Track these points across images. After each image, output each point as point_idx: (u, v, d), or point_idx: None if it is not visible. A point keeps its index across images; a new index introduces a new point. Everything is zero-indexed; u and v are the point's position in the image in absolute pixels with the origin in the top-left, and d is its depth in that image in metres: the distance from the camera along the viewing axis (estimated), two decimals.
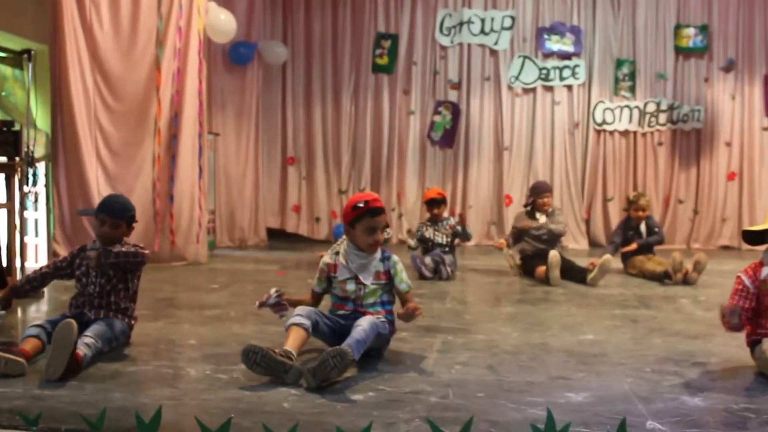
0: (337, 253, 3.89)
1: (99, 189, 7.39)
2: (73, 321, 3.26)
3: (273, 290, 3.81)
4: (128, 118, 7.65)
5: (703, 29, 10.79)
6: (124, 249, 3.84)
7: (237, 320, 4.77)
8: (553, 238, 7.21)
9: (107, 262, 3.77)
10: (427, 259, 6.97)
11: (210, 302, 5.48)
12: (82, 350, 3.39)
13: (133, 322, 4.00)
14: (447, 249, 7.23)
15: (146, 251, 3.98)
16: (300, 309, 3.64)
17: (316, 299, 3.97)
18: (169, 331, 4.35)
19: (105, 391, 3.09)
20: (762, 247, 3.59)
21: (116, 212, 3.96)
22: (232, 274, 7.22)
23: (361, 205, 3.75)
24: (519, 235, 7.28)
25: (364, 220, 3.74)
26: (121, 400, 2.98)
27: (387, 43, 10.93)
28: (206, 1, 8.26)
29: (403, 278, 3.86)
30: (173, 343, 4.05)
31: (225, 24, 8.73)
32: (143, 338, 4.09)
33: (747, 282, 3.48)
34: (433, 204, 7.32)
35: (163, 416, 2.61)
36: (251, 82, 10.24)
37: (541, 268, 6.74)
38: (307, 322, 3.54)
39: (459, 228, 7.24)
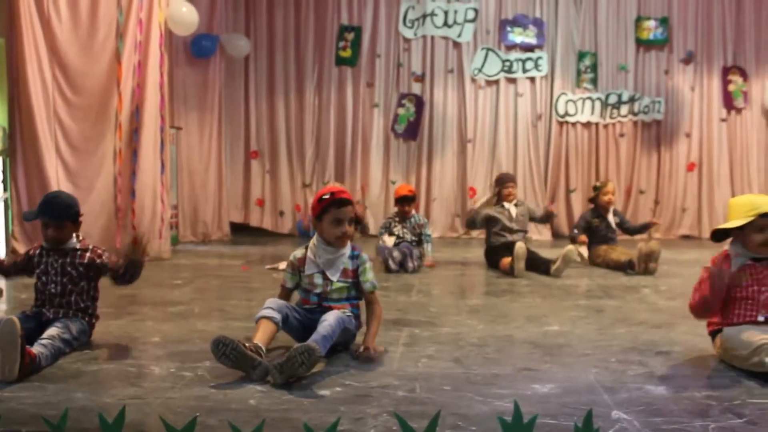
0: (307, 247, 3.87)
1: (59, 184, 7.26)
2: (14, 318, 3.16)
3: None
4: (88, 111, 7.53)
5: (664, 22, 10.91)
6: (110, 265, 3.82)
7: (201, 316, 4.72)
8: (520, 226, 7.26)
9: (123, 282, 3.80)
10: (395, 252, 6.97)
11: (173, 298, 5.42)
12: (37, 349, 3.31)
13: (94, 320, 3.93)
14: (414, 245, 7.26)
15: (105, 256, 3.90)
16: (270, 302, 3.60)
17: (286, 294, 3.95)
18: (132, 329, 4.29)
19: (67, 392, 3.03)
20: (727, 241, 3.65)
21: (59, 213, 3.79)
22: (195, 269, 7.15)
23: (327, 196, 3.74)
24: (486, 221, 7.27)
25: (330, 212, 3.72)
26: (83, 400, 2.93)
27: (350, 36, 10.90)
28: None
29: (369, 278, 3.84)
30: (136, 341, 3.99)
31: (187, 16, 8.63)
32: (105, 337, 4.03)
33: None
34: (405, 201, 7.32)
35: (127, 416, 2.56)
36: (213, 76, 10.14)
37: (506, 260, 6.78)
38: (277, 316, 3.51)
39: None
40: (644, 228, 8.02)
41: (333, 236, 3.75)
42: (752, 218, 3.40)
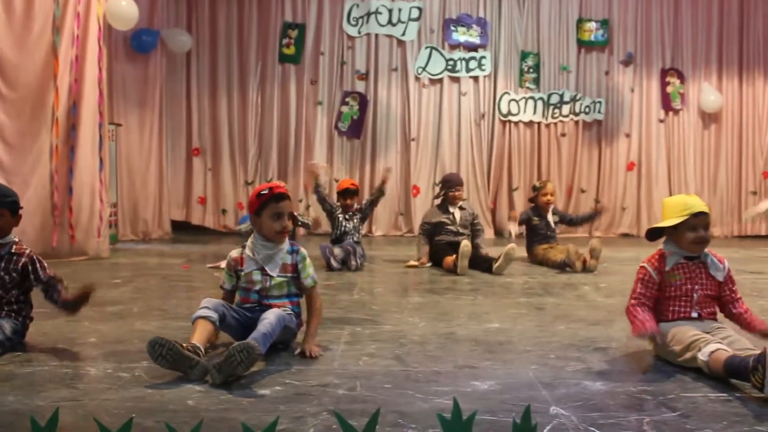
0: (244, 247, 3.83)
1: None
2: None
3: None
4: (23, 107, 7.31)
5: (604, 23, 11.10)
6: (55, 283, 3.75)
7: (140, 316, 4.64)
8: (465, 230, 7.31)
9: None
10: (336, 250, 6.96)
11: (112, 298, 5.31)
12: None
13: (28, 321, 3.84)
14: (356, 238, 7.26)
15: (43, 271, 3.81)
16: (206, 301, 3.56)
17: (226, 297, 3.90)
18: (68, 330, 4.19)
19: None
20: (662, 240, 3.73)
21: None
22: (135, 268, 7.03)
23: (265, 191, 3.73)
24: (433, 230, 7.31)
25: (269, 207, 3.70)
26: (14, 403, 2.85)
27: (294, 33, 10.84)
28: None
29: (310, 273, 3.83)
30: (72, 342, 3.90)
31: (126, 10, 8.46)
32: (40, 338, 3.93)
33: (652, 272, 3.57)
34: (347, 194, 7.32)
35: (61, 418, 2.49)
36: (154, 71, 9.98)
37: (449, 258, 6.81)
38: (214, 315, 3.47)
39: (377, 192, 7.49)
40: (590, 217, 8.18)
41: (272, 231, 3.73)
42: (685, 218, 3.47)
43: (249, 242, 3.82)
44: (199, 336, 3.37)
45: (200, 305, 3.54)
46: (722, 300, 3.61)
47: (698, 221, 3.48)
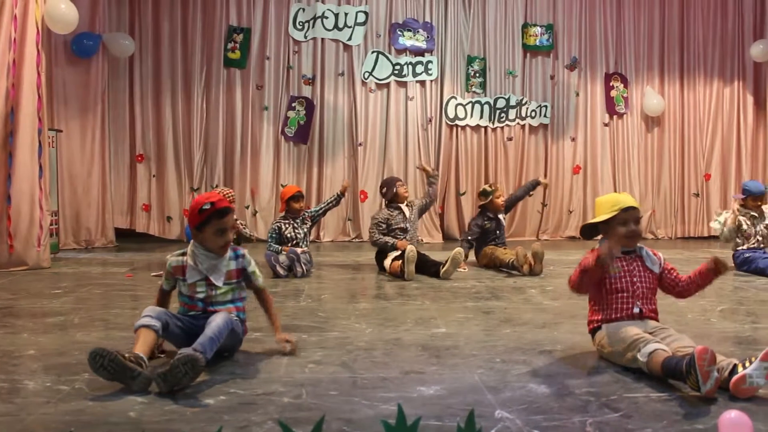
0: (184, 254, 3.76)
1: None
2: None
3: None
4: None
5: (549, 28, 11.23)
6: None
7: (81, 327, 4.54)
8: (414, 227, 7.34)
9: None
10: (282, 257, 6.91)
11: (52, 309, 5.20)
12: None
13: None
14: (305, 245, 7.22)
15: None
16: (149, 310, 3.51)
17: (164, 296, 3.86)
18: (6, 342, 4.09)
19: None
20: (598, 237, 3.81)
21: None
22: (77, 278, 6.88)
23: (207, 207, 3.65)
24: (386, 229, 7.28)
25: (212, 223, 3.66)
26: None
27: (239, 37, 10.73)
28: None
29: (259, 274, 3.87)
30: (10, 355, 3.80)
31: (66, 14, 8.28)
32: None
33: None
34: (296, 199, 7.27)
35: None
36: (96, 76, 9.77)
37: (397, 263, 6.81)
38: (156, 324, 3.42)
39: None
40: (532, 186, 8.38)
41: (216, 246, 3.69)
42: (615, 213, 3.60)
43: (189, 250, 3.75)
44: (142, 346, 3.31)
45: (142, 314, 3.48)
46: (667, 285, 3.72)
47: (628, 216, 3.62)
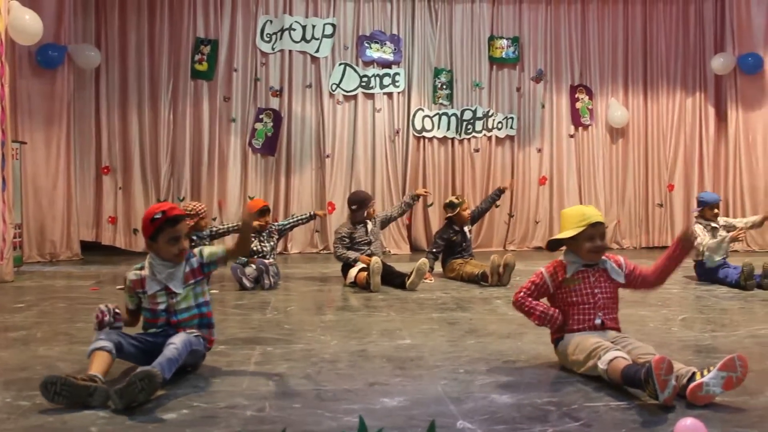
0: (141, 268, 3.74)
1: None
2: None
3: (104, 307, 3.54)
4: None
5: (515, 41, 11.34)
6: None
7: (44, 341, 4.49)
8: (376, 240, 7.35)
9: None
10: (248, 269, 6.89)
11: (14, 323, 5.13)
12: None
13: None
14: (272, 258, 7.21)
15: None
16: (101, 333, 3.46)
17: (133, 316, 3.83)
18: None
19: None
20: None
21: None
22: (41, 291, 6.80)
23: (159, 216, 3.65)
24: (350, 243, 7.28)
25: (165, 232, 3.65)
26: None
27: (206, 49, 10.71)
28: (8, 1, 7.76)
29: (215, 250, 3.83)
30: None
31: (30, 25, 8.21)
32: None
33: (547, 279, 3.72)
34: (263, 213, 7.26)
35: None
36: (61, 87, 9.69)
37: (363, 274, 6.82)
38: (109, 345, 3.37)
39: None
40: (497, 196, 8.31)
41: (171, 254, 3.68)
42: (583, 228, 3.61)
43: (147, 262, 3.74)
44: (97, 367, 3.27)
45: (95, 337, 3.44)
46: (638, 284, 3.78)
47: (595, 231, 3.64)
